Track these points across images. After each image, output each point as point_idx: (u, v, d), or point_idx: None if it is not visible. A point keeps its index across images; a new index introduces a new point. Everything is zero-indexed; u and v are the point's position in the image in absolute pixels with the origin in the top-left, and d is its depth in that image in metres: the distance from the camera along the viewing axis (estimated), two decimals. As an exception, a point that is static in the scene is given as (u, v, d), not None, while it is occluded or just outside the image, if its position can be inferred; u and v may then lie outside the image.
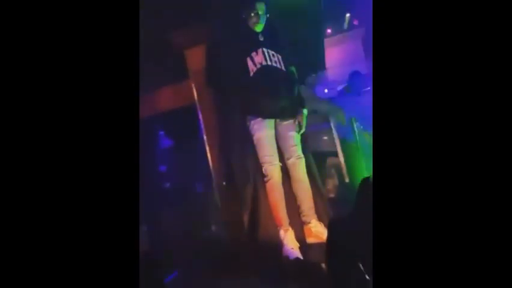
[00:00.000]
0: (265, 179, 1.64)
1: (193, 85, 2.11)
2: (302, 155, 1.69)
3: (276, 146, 1.67)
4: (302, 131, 1.71)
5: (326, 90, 2.44)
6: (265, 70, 1.63)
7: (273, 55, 1.67)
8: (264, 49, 1.65)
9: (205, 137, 2.07)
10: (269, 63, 1.64)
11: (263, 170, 1.64)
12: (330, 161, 2.19)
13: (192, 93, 2.11)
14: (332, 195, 2.08)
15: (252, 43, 1.66)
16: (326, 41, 2.63)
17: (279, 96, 1.63)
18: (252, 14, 1.64)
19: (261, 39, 1.67)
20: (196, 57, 1.99)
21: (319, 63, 2.37)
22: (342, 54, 2.76)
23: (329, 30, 2.83)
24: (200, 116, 2.11)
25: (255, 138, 1.65)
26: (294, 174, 1.68)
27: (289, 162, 1.68)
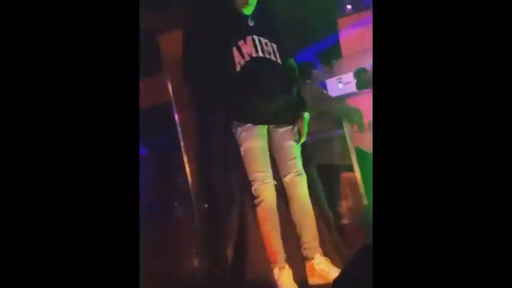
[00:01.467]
0: (256, 201, 1.66)
1: (168, 79, 2.19)
2: (303, 171, 1.72)
3: (270, 159, 1.71)
4: (303, 140, 1.74)
5: (341, 85, 2.48)
6: (255, 63, 1.67)
7: (266, 44, 1.71)
8: (255, 37, 1.69)
9: (182, 146, 2.15)
10: (261, 54, 1.68)
11: (252, 190, 1.67)
12: (343, 177, 2.22)
13: (167, 90, 2.19)
14: (345, 221, 2.12)
15: (239, 29, 1.70)
16: (343, 20, 2.67)
17: (273, 96, 1.67)
18: (240, -7, 1.70)
19: (251, 24, 1.72)
20: (172, 45, 2.06)
21: (331, 51, 2.41)
22: (365, 37, 2.80)
23: (348, 7, 2.88)
24: (176, 119, 2.19)
25: (242, 149, 1.68)
26: (293, 195, 1.71)
27: (287, 179, 1.71)
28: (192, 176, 2.10)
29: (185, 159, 2.14)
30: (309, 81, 2.35)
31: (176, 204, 2.61)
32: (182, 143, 2.14)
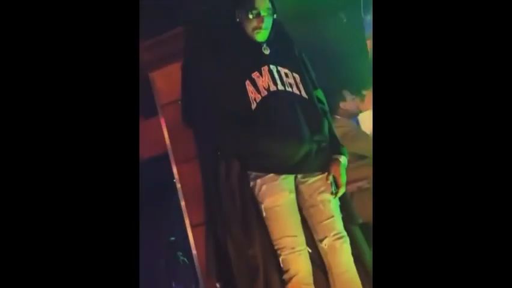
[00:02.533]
0: (285, 276, 1.61)
1: (163, 125, 2.18)
2: (344, 233, 1.66)
3: (301, 219, 1.66)
4: (341, 192, 1.69)
5: (377, 121, 2.45)
6: (274, 99, 1.66)
7: (286, 75, 1.71)
8: (272, 66, 1.70)
9: (183, 207, 2.09)
10: (280, 87, 1.68)
11: (280, 260, 1.61)
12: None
13: (163, 137, 2.18)
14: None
15: (253, 59, 1.71)
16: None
17: (300, 137, 1.65)
18: (251, 16, 1.70)
19: (266, 52, 1.73)
20: (168, 82, 2.08)
21: (361, 78, 2.41)
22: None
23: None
24: (175, 173, 2.15)
25: (264, 207, 1.64)
26: (333, 265, 1.64)
27: (324, 245, 1.65)
28: (196, 245, 2.02)
29: (187, 223, 2.08)
30: (338, 116, 2.32)
31: (174, 285, 2.52)
32: (183, 203, 2.09)
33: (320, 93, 1.81)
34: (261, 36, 1.73)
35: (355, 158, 2.12)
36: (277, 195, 1.63)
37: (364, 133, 2.36)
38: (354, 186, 2.03)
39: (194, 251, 2.07)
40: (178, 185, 2.14)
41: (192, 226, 2.05)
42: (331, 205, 1.68)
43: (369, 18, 2.57)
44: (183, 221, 2.12)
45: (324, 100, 1.81)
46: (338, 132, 1.89)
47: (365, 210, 2.06)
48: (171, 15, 1.99)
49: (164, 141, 2.15)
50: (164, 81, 2.10)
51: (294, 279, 1.58)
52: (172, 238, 2.62)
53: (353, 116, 2.47)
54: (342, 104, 2.38)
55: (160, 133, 2.16)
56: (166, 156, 2.15)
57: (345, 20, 2.27)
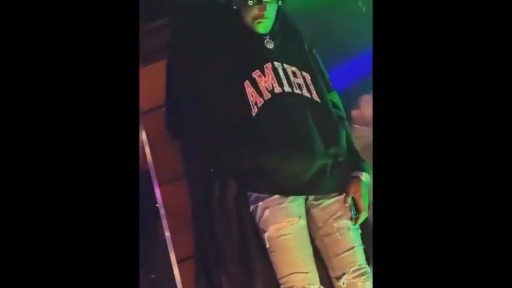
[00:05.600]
0: None
1: (144, 136, 2.16)
2: (367, 268, 1.67)
3: (313, 251, 1.67)
4: (363, 217, 1.70)
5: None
6: (279, 103, 1.68)
7: (293, 73, 1.73)
8: (277, 64, 1.73)
9: (168, 239, 2.05)
10: (287, 89, 1.70)
11: None
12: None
13: (143, 152, 2.16)
14: None
15: (254, 54, 1.73)
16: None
17: (311, 150, 1.66)
18: (251, 2, 1.72)
19: (269, 46, 1.76)
20: (149, 85, 2.07)
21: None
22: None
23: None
24: (159, 197, 2.12)
25: (267, 236, 1.65)
26: None
27: (342, 284, 1.65)
28: (184, 285, 2.00)
29: (172, 257, 2.04)
30: (356, 125, 2.32)
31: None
32: (167, 234, 2.07)
33: (335, 96, 1.83)
34: (264, 27, 1.75)
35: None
36: (284, 221, 1.63)
37: None
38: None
39: (181, 291, 2.04)
40: (162, 211, 2.11)
41: (178, 261, 2.02)
42: (350, 234, 1.68)
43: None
44: (168, 255, 2.09)
45: (340, 104, 1.83)
46: (357, 143, 1.89)
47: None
48: (155, 3, 2.01)
49: (145, 156, 2.14)
50: (146, 81, 2.09)
51: (306, 326, 1.60)
52: (153, 276, 2.59)
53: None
54: (359, 111, 2.39)
55: (141, 146, 2.15)
56: (147, 174, 2.13)
57: (364, 10, 2.29)
